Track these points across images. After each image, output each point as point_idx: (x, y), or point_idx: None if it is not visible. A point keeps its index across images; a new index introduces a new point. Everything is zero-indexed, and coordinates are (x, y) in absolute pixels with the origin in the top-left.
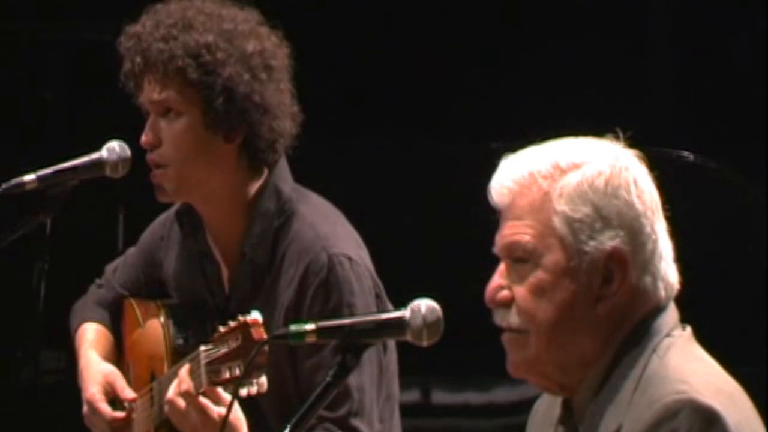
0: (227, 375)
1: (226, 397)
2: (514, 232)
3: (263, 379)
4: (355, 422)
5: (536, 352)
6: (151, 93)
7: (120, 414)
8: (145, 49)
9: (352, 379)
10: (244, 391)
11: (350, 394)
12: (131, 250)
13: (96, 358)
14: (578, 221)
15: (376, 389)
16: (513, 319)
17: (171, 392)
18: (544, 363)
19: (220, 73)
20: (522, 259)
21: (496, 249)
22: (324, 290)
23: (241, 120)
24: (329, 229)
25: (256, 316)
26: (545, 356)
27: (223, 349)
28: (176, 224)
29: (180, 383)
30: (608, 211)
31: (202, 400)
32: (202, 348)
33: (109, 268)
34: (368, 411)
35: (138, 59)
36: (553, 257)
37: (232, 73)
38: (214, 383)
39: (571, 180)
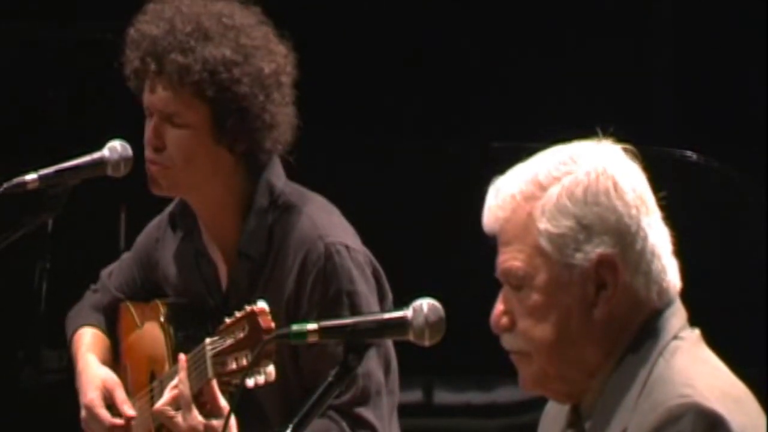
0: (234, 366)
1: (225, 406)
2: (506, 258)
3: (271, 368)
4: (360, 410)
5: (541, 370)
6: (159, 99)
7: (119, 421)
8: (160, 55)
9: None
10: (251, 382)
11: (355, 380)
12: (127, 255)
13: (94, 362)
14: (561, 236)
15: (384, 376)
16: (515, 342)
17: (161, 402)
18: (550, 378)
19: (235, 91)
20: (517, 285)
21: (497, 274)
22: (323, 279)
23: (248, 137)
24: (325, 220)
25: (262, 305)
26: (550, 372)
27: (229, 341)
28: (169, 227)
29: (173, 390)
30: (589, 219)
31: (195, 412)
32: (208, 340)
33: (105, 272)
34: (374, 398)
35: (152, 64)
36: (544, 277)
37: (246, 93)
38: (220, 375)
39: (552, 195)
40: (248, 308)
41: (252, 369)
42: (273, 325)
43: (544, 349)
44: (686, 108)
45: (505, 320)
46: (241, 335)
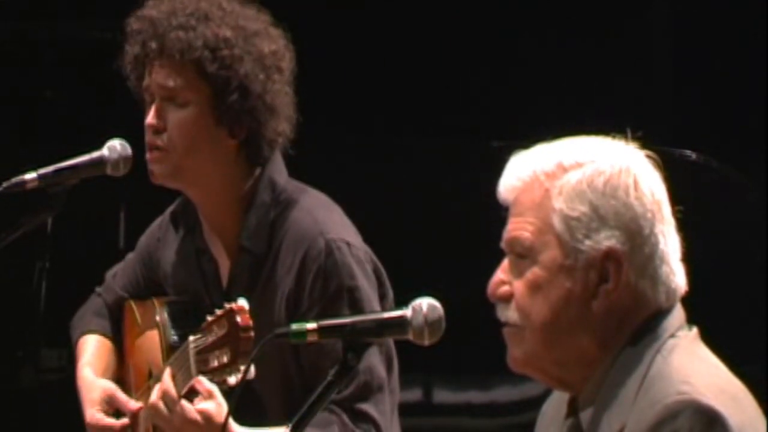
0: (215, 363)
1: (210, 387)
2: (515, 227)
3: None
4: (361, 405)
5: (533, 348)
6: (161, 78)
7: (125, 421)
8: (162, 35)
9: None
10: (232, 379)
11: (357, 376)
12: (130, 255)
13: (90, 377)
14: (575, 219)
15: (386, 371)
16: (511, 314)
17: (153, 397)
18: (541, 359)
19: (237, 69)
20: (521, 254)
21: (502, 244)
22: (323, 275)
23: (249, 118)
24: (326, 216)
25: (241, 302)
26: (542, 352)
27: (211, 338)
28: (171, 226)
29: (160, 388)
30: (605, 210)
31: (183, 402)
32: (191, 338)
33: (109, 273)
34: (376, 393)
35: (153, 44)
36: (550, 254)
37: (248, 71)
38: (203, 372)
39: (571, 178)
40: (227, 306)
41: (232, 367)
42: (251, 323)
43: (538, 326)
44: (686, 108)
45: (504, 289)
46: (222, 333)
